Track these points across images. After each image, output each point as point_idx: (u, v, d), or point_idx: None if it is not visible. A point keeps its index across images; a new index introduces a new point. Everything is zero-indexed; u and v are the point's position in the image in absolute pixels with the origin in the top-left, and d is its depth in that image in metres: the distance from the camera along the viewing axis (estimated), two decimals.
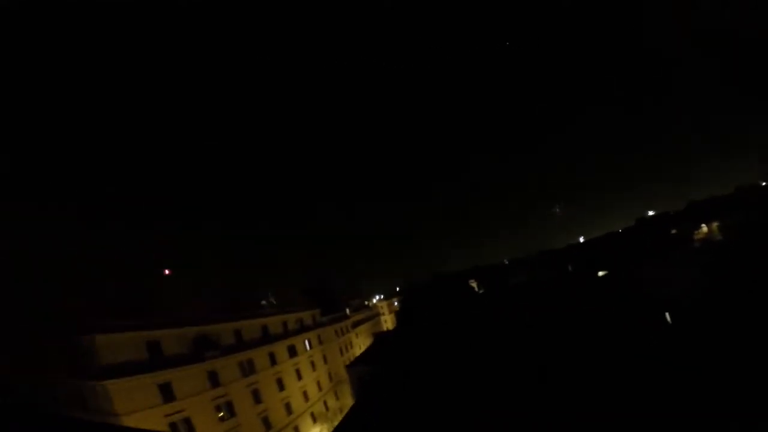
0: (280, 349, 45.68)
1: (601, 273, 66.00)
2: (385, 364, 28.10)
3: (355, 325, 72.90)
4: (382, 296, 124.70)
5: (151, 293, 40.98)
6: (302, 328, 54.02)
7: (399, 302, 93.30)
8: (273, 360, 43.12)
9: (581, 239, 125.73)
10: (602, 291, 53.94)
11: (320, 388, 50.58)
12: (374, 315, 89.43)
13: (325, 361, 54.69)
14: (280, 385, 42.24)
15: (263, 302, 58.08)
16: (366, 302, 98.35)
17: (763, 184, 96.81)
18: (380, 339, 42.24)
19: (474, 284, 66.04)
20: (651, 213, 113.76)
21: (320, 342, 56.64)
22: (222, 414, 32.84)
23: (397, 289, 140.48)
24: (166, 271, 57.45)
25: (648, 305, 36.49)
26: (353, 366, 30.14)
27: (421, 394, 22.41)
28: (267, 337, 45.06)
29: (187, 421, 29.68)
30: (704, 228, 66.79)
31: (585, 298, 49.23)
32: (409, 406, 21.33)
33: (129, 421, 25.37)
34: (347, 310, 73.14)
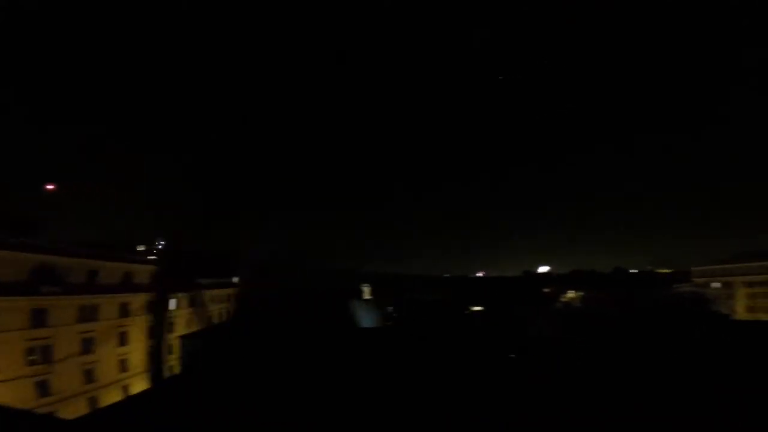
0: (139, 300, 42.76)
1: (477, 308, 72.50)
2: (217, 340, 27.91)
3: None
4: None
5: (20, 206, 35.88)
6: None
7: None
8: (125, 311, 40.19)
9: (479, 274, 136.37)
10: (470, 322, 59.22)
11: (171, 352, 48.16)
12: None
13: (194, 324, 52.20)
14: (123, 340, 39.44)
15: (141, 247, 54.11)
16: None
17: (634, 271, 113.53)
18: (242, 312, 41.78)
19: (368, 288, 68.07)
20: (545, 268, 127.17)
21: (193, 303, 54.05)
22: (33, 358, 29.72)
23: None
24: (50, 186, 50.37)
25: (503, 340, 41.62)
26: (186, 338, 29.51)
27: (245, 376, 22.46)
28: (128, 285, 41.88)
29: None
30: (571, 293, 76.32)
31: (455, 324, 53.69)
32: (225, 386, 21.30)
33: None
34: (234, 279, 70.82)
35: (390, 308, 73.30)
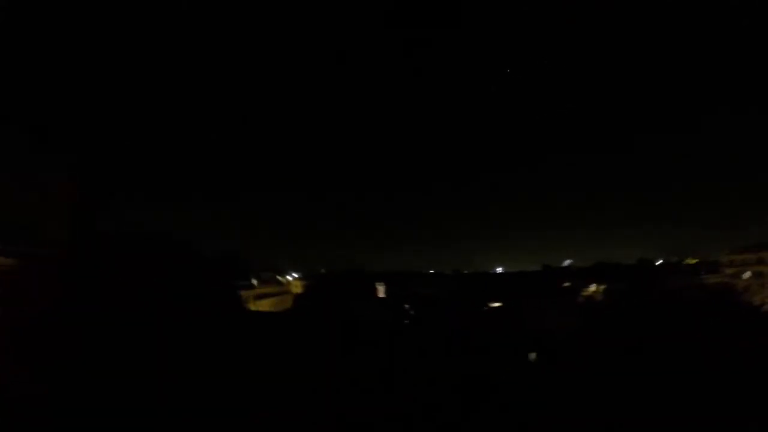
0: None
1: (496, 304, 71.67)
2: None
3: (259, 297, 72.11)
4: (300, 275, 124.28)
5: None
6: None
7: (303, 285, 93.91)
8: None
9: (499, 269, 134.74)
10: (492, 319, 58.63)
11: None
12: (284, 291, 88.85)
13: None
14: None
15: None
16: (279, 277, 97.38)
17: (659, 262, 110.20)
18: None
19: (382, 286, 68.23)
20: (567, 262, 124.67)
21: None
22: None
23: (322, 271, 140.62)
24: None
25: (524, 336, 41.32)
26: None
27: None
28: None
29: None
30: (593, 287, 74.70)
31: (474, 321, 53.29)
32: None
33: None
34: (254, 282, 72.24)
35: (407, 306, 73.42)
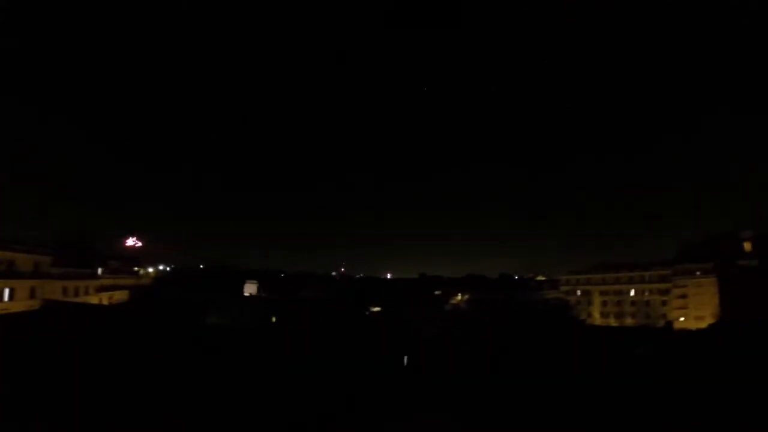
0: None
1: (376, 308, 73.08)
2: None
3: (105, 289, 60.97)
4: (171, 267, 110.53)
5: None
6: (9, 274, 42.01)
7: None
8: None
9: (389, 275, 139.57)
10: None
11: None
12: (137, 285, 76.72)
13: None
14: None
15: None
16: (138, 268, 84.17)
17: (516, 277, 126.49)
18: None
19: (254, 285, 63.70)
20: (439, 273, 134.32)
21: (33, 296, 44.92)
22: None
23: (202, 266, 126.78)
24: None
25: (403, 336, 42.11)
26: None
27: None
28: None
29: None
30: (459, 296, 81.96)
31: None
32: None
33: None
34: (99, 270, 60.99)
35: (286, 306, 70.00)
